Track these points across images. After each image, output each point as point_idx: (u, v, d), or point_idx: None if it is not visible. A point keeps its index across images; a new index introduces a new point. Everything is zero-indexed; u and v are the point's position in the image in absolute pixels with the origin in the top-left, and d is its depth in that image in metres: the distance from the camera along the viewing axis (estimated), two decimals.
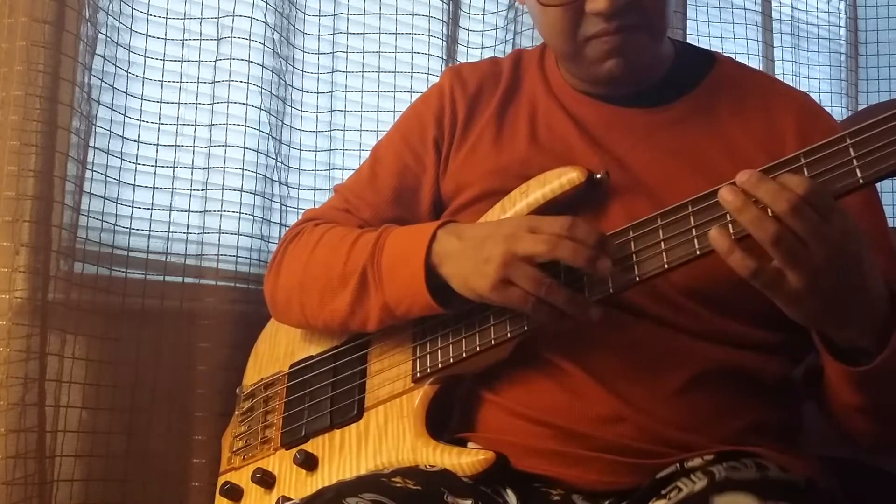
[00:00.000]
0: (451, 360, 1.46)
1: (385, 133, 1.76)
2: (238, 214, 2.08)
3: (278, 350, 1.73)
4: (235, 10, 2.09)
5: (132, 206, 2.01)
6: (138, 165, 2.02)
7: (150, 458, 1.98)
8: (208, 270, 2.06)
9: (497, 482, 1.40)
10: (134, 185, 2.02)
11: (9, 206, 1.76)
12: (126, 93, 2.01)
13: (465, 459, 1.40)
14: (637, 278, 1.32)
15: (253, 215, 2.10)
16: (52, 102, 1.81)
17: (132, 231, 2.01)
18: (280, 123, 2.17)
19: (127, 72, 2.01)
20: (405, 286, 1.44)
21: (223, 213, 2.07)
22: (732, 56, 1.76)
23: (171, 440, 1.99)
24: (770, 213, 1.18)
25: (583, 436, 1.40)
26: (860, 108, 3.02)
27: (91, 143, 1.93)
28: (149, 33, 2.05)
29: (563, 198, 1.45)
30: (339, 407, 1.57)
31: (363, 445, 1.51)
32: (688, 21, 2.64)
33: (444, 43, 2.35)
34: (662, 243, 1.31)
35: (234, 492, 1.65)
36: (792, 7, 3.06)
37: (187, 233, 2.06)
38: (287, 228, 1.85)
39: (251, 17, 2.10)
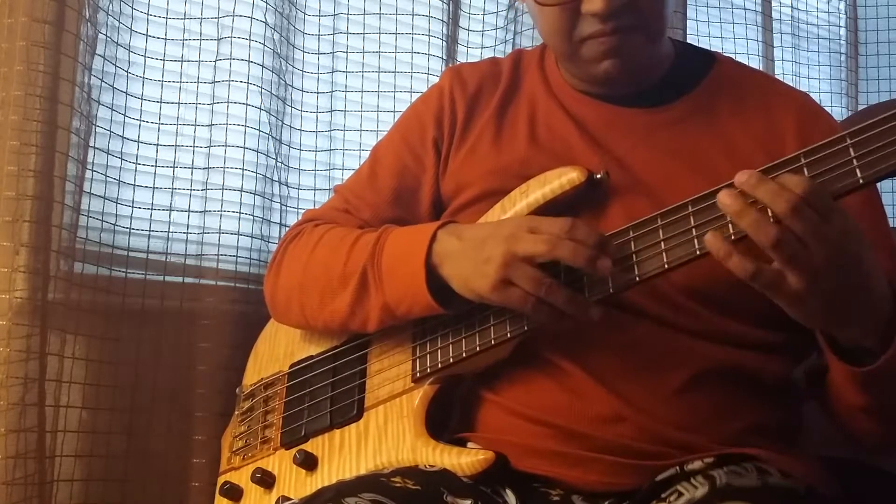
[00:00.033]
0: (451, 360, 1.46)
1: (385, 133, 1.75)
2: (238, 214, 2.08)
3: (278, 350, 1.73)
4: (235, 10, 2.09)
5: (132, 206, 2.01)
6: (138, 165, 2.02)
7: (150, 458, 1.98)
8: (208, 270, 2.06)
9: (497, 482, 1.40)
10: (134, 185, 2.02)
11: (9, 206, 1.76)
12: (126, 93, 2.01)
13: (465, 459, 1.40)
14: (637, 278, 1.32)
15: (253, 215, 2.10)
16: (52, 102, 1.81)
17: (132, 231, 2.01)
18: (280, 123, 2.17)
19: (127, 72, 2.01)
20: (405, 286, 1.44)
21: (223, 213, 2.07)
22: (732, 56, 1.77)
23: (171, 440, 1.99)
24: (769, 215, 1.18)
25: (583, 436, 1.40)
26: (860, 108, 3.02)
27: (91, 143, 1.93)
28: (149, 33, 2.05)
29: (564, 198, 1.45)
30: (338, 407, 1.57)
31: (363, 445, 1.51)
32: (688, 21, 2.64)
33: (444, 43, 2.35)
34: (662, 243, 1.31)
35: (233, 492, 1.65)
36: (792, 7, 3.05)
37: (187, 233, 2.06)
38: (287, 228, 1.85)
39: (251, 17, 2.10)
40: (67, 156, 1.85)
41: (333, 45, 2.29)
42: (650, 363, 1.41)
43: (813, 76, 3.05)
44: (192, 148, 2.08)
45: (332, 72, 2.29)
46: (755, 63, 2.75)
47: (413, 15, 2.33)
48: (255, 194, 2.11)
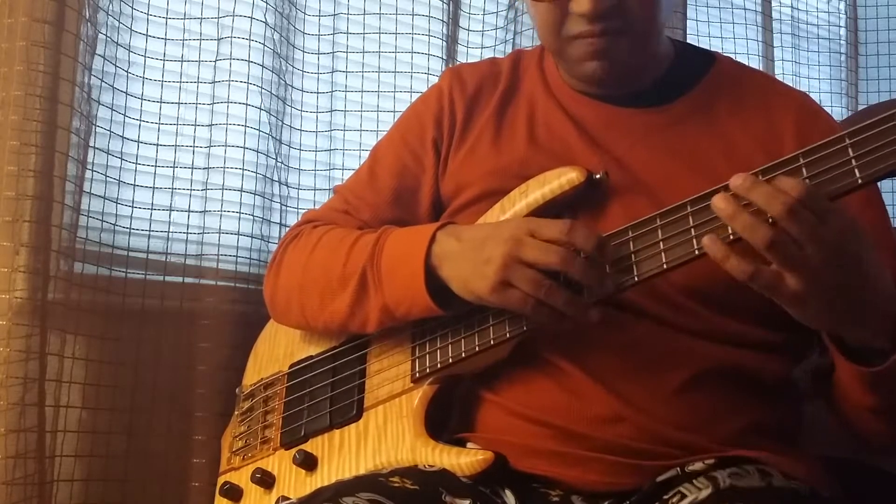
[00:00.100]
0: (451, 360, 1.46)
1: (385, 133, 1.75)
2: (238, 214, 2.08)
3: (278, 350, 1.73)
4: (235, 10, 2.09)
5: (132, 206, 2.01)
6: (138, 165, 2.02)
7: (150, 458, 1.98)
8: (208, 270, 2.06)
9: (496, 482, 1.40)
10: (134, 185, 2.02)
11: (9, 206, 1.77)
12: (126, 93, 2.01)
13: (464, 459, 1.39)
14: (636, 278, 1.32)
15: (253, 215, 2.10)
16: (52, 102, 1.81)
17: (132, 231, 2.01)
18: (280, 123, 2.17)
19: (127, 72, 2.01)
20: (404, 288, 1.44)
21: (223, 213, 2.07)
22: (732, 56, 1.76)
23: (171, 440, 1.99)
24: (765, 217, 1.18)
25: (582, 436, 1.39)
26: (860, 108, 3.02)
27: (91, 143, 1.93)
28: (149, 33, 2.05)
29: (563, 198, 1.45)
30: (338, 407, 1.57)
31: (362, 445, 1.51)
32: (688, 21, 2.64)
33: (444, 43, 2.35)
34: (661, 243, 1.31)
35: (233, 492, 1.65)
36: (792, 7, 3.05)
37: (187, 233, 2.06)
38: (287, 228, 1.86)
39: (251, 17, 2.10)
40: (67, 156, 1.85)
41: (333, 45, 2.29)
42: (650, 363, 1.41)
43: (813, 76, 3.05)
44: (192, 148, 2.08)
45: (332, 72, 2.29)
46: (755, 63, 2.75)
47: (413, 15, 2.33)
48: (255, 194, 2.11)
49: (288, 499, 1.53)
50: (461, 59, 2.41)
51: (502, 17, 2.48)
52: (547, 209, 1.45)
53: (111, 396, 1.94)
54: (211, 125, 2.08)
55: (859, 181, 1.19)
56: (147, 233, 2.03)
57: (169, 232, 2.05)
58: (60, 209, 1.84)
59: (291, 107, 2.22)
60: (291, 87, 2.22)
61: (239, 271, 2.08)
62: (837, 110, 3.00)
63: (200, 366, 2.00)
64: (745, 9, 2.84)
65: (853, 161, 1.19)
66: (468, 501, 1.33)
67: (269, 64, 2.13)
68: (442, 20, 2.35)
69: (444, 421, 1.52)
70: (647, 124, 1.53)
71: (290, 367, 1.68)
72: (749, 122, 1.52)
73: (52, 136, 1.81)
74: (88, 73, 1.91)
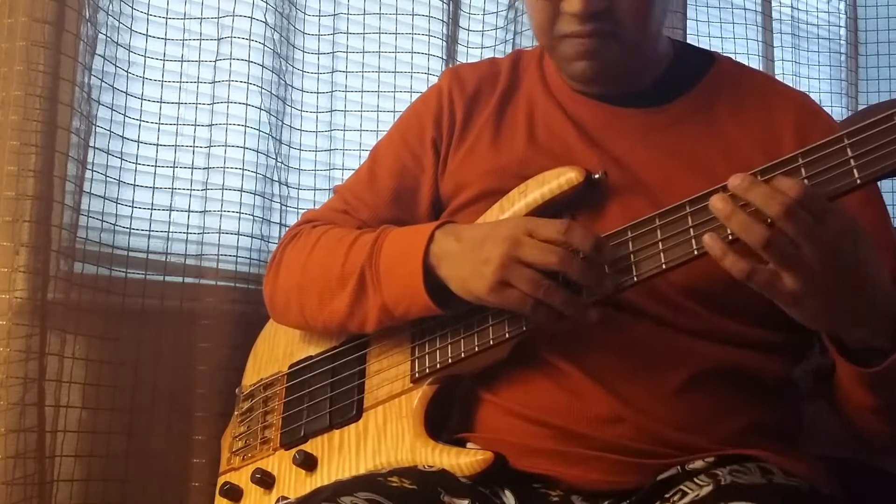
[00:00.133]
0: (450, 361, 1.46)
1: (385, 133, 1.76)
2: (238, 214, 2.08)
3: (277, 350, 1.73)
4: (235, 10, 2.09)
5: (132, 206, 2.01)
6: (138, 165, 2.02)
7: (150, 458, 1.98)
8: (208, 270, 2.06)
9: (495, 483, 1.40)
10: (134, 185, 2.02)
11: (9, 206, 1.77)
12: (126, 93, 2.01)
13: (464, 459, 1.39)
14: (635, 278, 1.32)
15: (253, 215, 2.10)
16: (52, 102, 1.81)
17: (132, 231, 2.01)
18: (280, 123, 2.17)
19: (127, 72, 2.01)
20: (403, 287, 1.44)
21: (223, 213, 2.07)
22: (732, 56, 1.76)
23: (171, 440, 1.99)
24: (763, 217, 1.18)
25: (582, 436, 1.40)
26: (860, 108, 3.02)
27: (91, 143, 1.93)
28: (149, 33, 2.05)
29: (562, 198, 1.45)
30: (338, 407, 1.57)
31: (362, 446, 1.51)
32: (688, 21, 2.64)
33: (444, 43, 2.35)
34: (660, 243, 1.31)
35: (233, 492, 1.64)
36: (792, 7, 3.05)
37: (187, 233, 2.06)
38: (287, 228, 1.85)
39: (251, 17, 2.10)
40: (67, 156, 1.85)
41: (333, 45, 2.29)
42: (649, 363, 1.41)
43: (813, 76, 3.05)
44: (192, 148, 2.08)
45: (332, 72, 2.29)
46: (755, 63, 2.75)
47: (413, 15, 2.33)
48: (255, 194, 2.11)
49: (287, 499, 1.53)
50: (461, 59, 2.41)
51: (502, 17, 2.48)
52: (546, 209, 1.45)
53: (111, 396, 1.94)
54: (211, 125, 2.08)
55: (858, 181, 1.19)
56: (147, 233, 2.03)
57: (169, 232, 2.05)
58: (60, 209, 1.84)
59: (291, 107, 2.22)
60: (291, 87, 2.22)
61: (239, 271, 2.08)
62: (837, 110, 3.00)
63: (200, 366, 2.00)
64: (745, 9, 2.84)
65: (852, 161, 1.19)
66: (467, 501, 1.33)
67: (269, 64, 2.13)
68: (442, 20, 2.35)
69: (444, 421, 1.52)
70: (646, 124, 1.53)
71: (290, 367, 1.68)
72: (748, 122, 1.52)
73: (52, 136, 1.81)
74: (88, 73, 1.91)
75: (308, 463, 1.55)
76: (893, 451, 1.50)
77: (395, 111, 2.26)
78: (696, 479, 1.31)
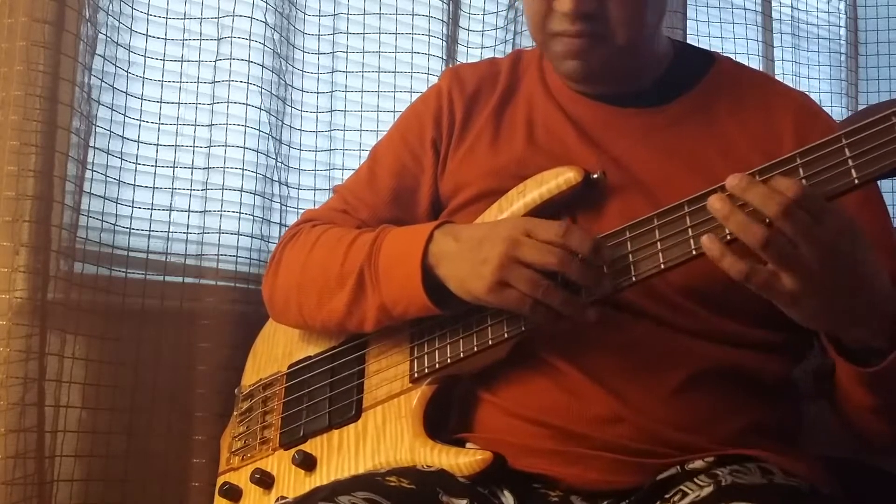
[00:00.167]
0: (449, 361, 1.46)
1: (385, 133, 1.76)
2: (238, 214, 2.08)
3: (276, 350, 1.73)
4: (235, 10, 2.09)
5: (132, 206, 2.01)
6: (138, 165, 2.02)
7: (150, 458, 1.98)
8: (208, 270, 2.06)
9: (494, 483, 1.40)
10: (134, 185, 2.02)
11: (9, 206, 1.77)
12: (126, 93, 2.01)
13: (463, 459, 1.39)
14: (634, 278, 1.32)
15: (253, 215, 2.10)
16: (52, 102, 1.81)
17: (132, 231, 2.01)
18: (280, 123, 2.17)
19: (127, 72, 2.01)
20: (402, 287, 1.44)
21: (223, 213, 2.07)
22: (732, 56, 1.76)
23: (171, 440, 1.99)
24: (761, 217, 1.18)
25: (581, 436, 1.40)
26: (860, 108, 3.02)
27: (91, 143, 1.93)
28: (149, 33, 2.05)
29: (561, 197, 1.45)
30: (337, 407, 1.57)
31: (361, 446, 1.51)
32: (688, 21, 2.64)
33: (444, 43, 2.35)
34: (659, 243, 1.31)
35: (232, 492, 1.65)
36: (792, 7, 3.05)
37: (187, 233, 2.06)
38: (287, 228, 1.85)
39: (251, 17, 2.10)
40: (67, 156, 1.85)
41: (333, 45, 2.29)
42: (648, 363, 1.41)
43: (813, 76, 3.05)
44: (192, 148, 2.08)
45: (332, 72, 2.29)
46: (755, 63, 2.75)
47: (413, 15, 2.33)
48: (255, 194, 2.11)
49: (286, 499, 1.53)
50: (461, 59, 2.41)
51: (502, 17, 2.48)
52: (545, 209, 1.45)
53: (111, 396, 1.94)
54: (211, 125, 2.08)
55: (856, 181, 1.19)
56: (147, 233, 2.03)
57: (169, 232, 2.05)
58: (60, 209, 1.84)
59: (291, 107, 2.22)
60: (291, 87, 2.22)
61: (239, 271, 2.08)
62: (837, 110, 3.00)
63: (200, 366, 2.00)
64: (745, 9, 2.84)
65: (850, 161, 1.19)
66: (465, 501, 1.33)
67: (269, 64, 2.13)
68: (442, 20, 2.35)
69: (443, 421, 1.52)
70: (645, 124, 1.54)
71: (289, 367, 1.68)
72: (748, 122, 1.52)
73: (52, 136, 1.81)
74: (88, 73, 1.91)
75: (307, 463, 1.55)
76: (893, 450, 1.50)
77: (395, 111, 2.26)
78: (696, 480, 1.31)
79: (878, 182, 1.45)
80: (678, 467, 1.37)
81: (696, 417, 1.40)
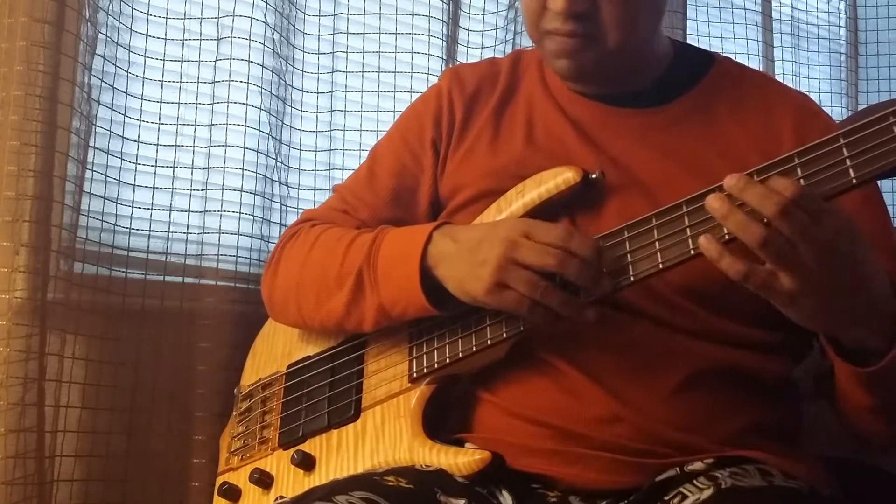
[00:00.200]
0: (448, 361, 1.46)
1: (385, 133, 1.76)
2: (238, 214, 2.08)
3: (276, 350, 1.73)
4: (235, 10, 2.09)
5: (132, 206, 2.01)
6: (138, 165, 2.02)
7: (150, 458, 1.98)
8: (208, 270, 2.06)
9: (493, 483, 1.40)
10: (134, 185, 2.02)
11: (9, 206, 1.77)
12: (126, 93, 2.01)
13: (461, 459, 1.39)
14: (632, 278, 1.32)
15: (253, 215, 2.10)
16: (52, 102, 1.81)
17: (132, 231, 2.01)
18: (280, 123, 2.17)
19: (127, 72, 2.01)
20: (400, 288, 1.44)
21: (223, 213, 2.07)
22: (732, 56, 1.77)
23: (171, 440, 1.99)
24: (758, 217, 1.18)
25: (580, 436, 1.39)
26: (860, 108, 3.02)
27: (91, 143, 1.93)
28: (149, 33, 2.05)
29: (559, 197, 1.45)
30: (336, 407, 1.57)
31: (360, 445, 1.52)
32: (688, 21, 2.64)
33: (444, 43, 2.35)
34: (657, 243, 1.31)
35: (232, 492, 1.65)
36: (792, 7, 3.05)
37: (187, 233, 2.06)
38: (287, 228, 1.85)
39: (251, 17, 2.10)
40: (67, 156, 1.85)
41: (333, 45, 2.29)
42: (647, 363, 1.41)
43: (813, 76, 3.05)
44: (192, 148, 2.08)
45: (332, 72, 2.29)
46: (755, 63, 2.75)
47: (413, 15, 2.33)
48: (255, 194, 2.11)
49: (285, 498, 1.53)
50: (461, 59, 2.41)
51: (502, 17, 2.48)
52: (543, 209, 1.45)
53: (111, 396, 1.94)
54: (211, 125, 2.08)
55: (854, 181, 1.19)
56: (147, 233, 2.03)
57: (169, 232, 2.05)
58: (60, 209, 1.84)
59: (291, 107, 2.22)
60: (291, 87, 2.22)
61: (239, 271, 2.08)
62: (837, 110, 3.00)
63: (200, 366, 2.00)
64: (745, 9, 2.84)
65: (847, 161, 1.19)
66: (463, 501, 1.33)
67: (269, 64, 2.13)
68: (442, 20, 2.35)
69: (442, 421, 1.52)
70: (644, 124, 1.54)
71: (288, 367, 1.68)
72: (748, 122, 1.52)
73: (52, 136, 1.81)
74: (88, 73, 1.91)
75: (306, 463, 1.55)
76: (893, 451, 1.50)
77: (395, 111, 2.26)
78: (695, 482, 1.31)
79: (878, 182, 1.45)
80: (677, 469, 1.37)
81: (696, 417, 1.40)
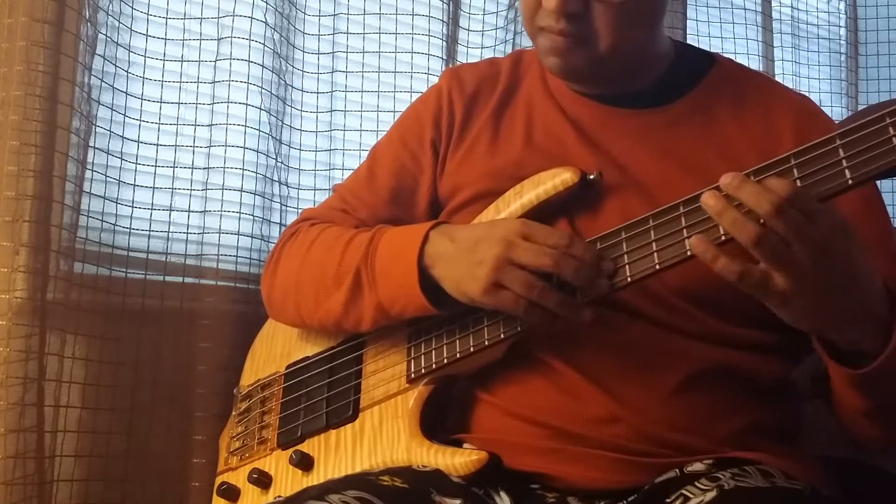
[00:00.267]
0: (446, 361, 1.46)
1: (385, 133, 1.76)
2: (238, 214, 2.08)
3: (275, 350, 1.73)
4: (235, 10, 2.09)
5: (132, 206, 2.01)
6: (138, 165, 2.02)
7: (150, 458, 1.98)
8: (208, 270, 2.06)
9: (490, 483, 1.39)
10: (134, 185, 2.02)
11: (9, 206, 1.77)
12: (126, 93, 2.01)
13: (458, 459, 1.39)
14: (629, 279, 1.32)
15: (253, 215, 2.10)
16: (52, 102, 1.82)
17: (132, 231, 2.01)
18: (280, 123, 2.18)
19: (127, 72, 2.01)
20: (398, 287, 1.44)
21: (223, 213, 2.07)
22: (732, 56, 1.77)
23: (171, 440, 2.00)
24: (753, 217, 1.18)
25: (578, 436, 1.39)
26: (860, 108, 3.02)
27: (91, 143, 1.94)
28: (149, 33, 2.05)
29: (557, 198, 1.45)
30: (334, 407, 1.57)
31: (358, 446, 1.52)
32: (688, 21, 2.64)
33: (444, 43, 2.35)
34: (654, 244, 1.31)
35: (231, 492, 1.65)
36: (792, 7, 3.05)
37: (187, 233, 2.06)
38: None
39: (251, 17, 2.10)
40: (67, 156, 1.85)
41: (333, 45, 2.29)
42: (645, 364, 1.41)
43: (813, 76, 3.05)
44: (192, 148, 2.08)
45: (332, 72, 2.29)
46: (755, 63, 2.75)
47: (413, 15, 2.33)
48: (255, 194, 2.11)
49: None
50: (461, 59, 2.41)
51: (502, 17, 2.48)
52: (542, 210, 1.45)
53: (111, 396, 1.94)
54: (211, 125, 2.08)
55: (850, 182, 1.19)
56: (147, 233, 2.03)
57: (169, 232, 2.05)
58: (60, 209, 1.84)
59: (291, 107, 2.22)
60: (291, 87, 2.22)
61: (239, 271, 2.08)
62: (837, 110, 3.00)
63: (200, 366, 2.00)
64: (745, 9, 2.84)
65: (844, 162, 1.19)
66: (459, 501, 1.33)
67: (269, 64, 2.13)
68: (442, 20, 2.35)
69: (441, 422, 1.52)
70: (644, 125, 1.53)
71: (287, 367, 1.68)
72: (747, 123, 1.52)
73: (52, 136, 1.82)
74: (88, 73, 1.91)
75: (305, 463, 1.55)
76: (893, 451, 1.50)
77: (395, 111, 2.26)
78: (697, 483, 1.30)
79: (878, 183, 1.45)
80: (677, 470, 1.37)
81: (694, 418, 1.40)
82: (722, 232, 1.23)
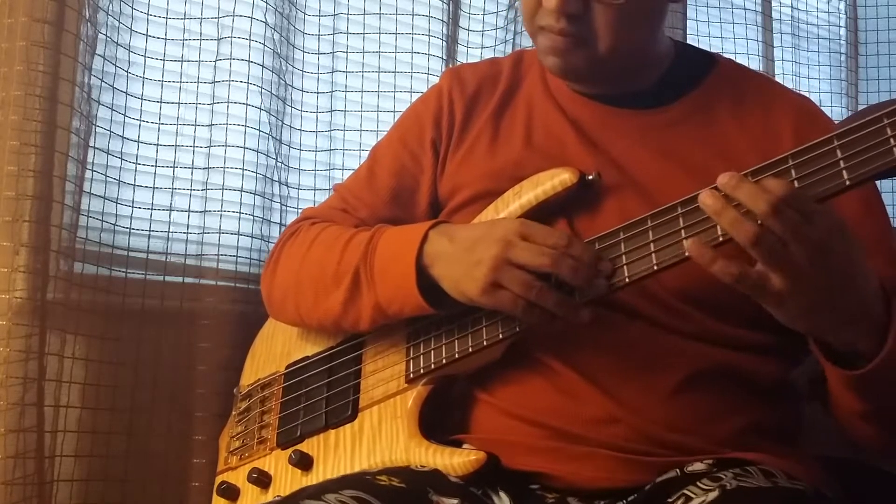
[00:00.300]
0: (444, 361, 1.46)
1: (385, 133, 1.76)
2: (238, 214, 2.08)
3: (275, 350, 1.73)
4: (235, 10, 2.09)
5: (132, 206, 2.01)
6: (138, 165, 2.03)
7: (150, 458, 1.98)
8: (208, 270, 2.07)
9: (488, 484, 1.39)
10: (134, 185, 2.02)
11: (9, 206, 1.77)
12: (126, 93, 2.01)
13: (457, 460, 1.39)
14: (627, 279, 1.32)
15: (253, 215, 2.10)
16: (52, 102, 1.82)
17: (132, 231, 2.01)
18: (280, 123, 2.18)
19: (127, 72, 2.01)
20: (396, 286, 1.44)
21: (223, 213, 2.07)
22: (732, 56, 1.77)
23: (171, 440, 2.00)
24: (750, 217, 1.18)
25: (577, 437, 1.39)
26: (860, 108, 3.02)
27: (91, 143, 1.94)
28: (149, 33, 2.05)
29: (556, 199, 1.45)
30: (333, 407, 1.57)
31: (357, 446, 1.52)
32: (688, 21, 2.64)
33: (444, 43, 2.35)
34: (652, 244, 1.31)
35: (230, 492, 1.65)
36: (792, 7, 3.05)
37: (187, 233, 2.06)
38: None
39: (251, 17, 2.10)
40: (67, 156, 1.85)
41: (333, 45, 2.29)
42: (644, 364, 1.41)
43: (813, 76, 3.05)
44: (192, 148, 2.08)
45: (332, 72, 2.29)
46: (755, 63, 2.75)
47: (413, 15, 2.33)
48: (255, 194, 2.11)
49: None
50: (461, 59, 2.41)
51: (502, 17, 2.48)
52: (540, 210, 1.45)
53: (111, 396, 1.94)
54: (211, 125, 2.08)
55: (847, 182, 1.19)
56: (147, 233, 2.03)
57: (169, 232, 2.05)
58: (60, 209, 1.84)
59: (291, 107, 2.22)
60: (291, 87, 2.22)
61: (239, 271, 2.08)
62: (837, 110, 3.00)
63: (200, 366, 2.00)
64: (745, 9, 2.84)
65: (841, 163, 1.19)
66: (456, 501, 1.33)
67: (269, 64, 2.13)
68: (442, 20, 2.35)
69: (440, 422, 1.52)
70: (644, 125, 1.53)
71: (287, 367, 1.68)
72: (747, 124, 1.52)
73: (52, 136, 1.82)
74: (88, 73, 1.91)
75: (304, 463, 1.55)
76: (890, 454, 1.50)
77: (395, 111, 2.26)
78: (699, 483, 1.30)
79: (878, 183, 1.45)
80: (677, 470, 1.37)
81: (693, 419, 1.40)
82: (720, 232, 1.23)
